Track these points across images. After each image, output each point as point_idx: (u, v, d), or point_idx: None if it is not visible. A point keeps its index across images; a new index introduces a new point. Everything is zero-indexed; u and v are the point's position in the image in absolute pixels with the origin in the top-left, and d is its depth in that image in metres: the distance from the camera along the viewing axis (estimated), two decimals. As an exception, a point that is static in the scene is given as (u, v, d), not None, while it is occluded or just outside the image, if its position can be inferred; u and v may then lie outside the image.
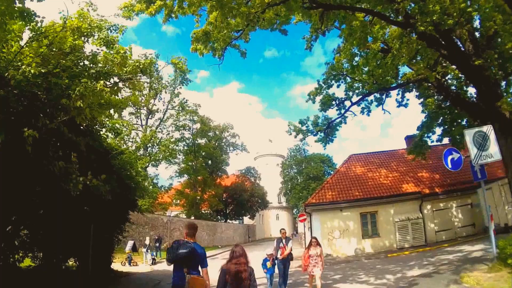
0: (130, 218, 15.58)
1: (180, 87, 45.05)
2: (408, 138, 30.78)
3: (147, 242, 26.04)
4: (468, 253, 17.01)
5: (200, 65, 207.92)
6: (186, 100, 47.15)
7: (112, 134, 14.47)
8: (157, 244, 27.52)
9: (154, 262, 24.84)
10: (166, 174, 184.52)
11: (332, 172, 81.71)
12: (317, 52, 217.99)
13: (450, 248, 20.19)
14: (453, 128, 19.29)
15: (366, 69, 18.82)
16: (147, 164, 40.63)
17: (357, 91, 20.45)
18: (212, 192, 56.30)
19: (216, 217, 61.43)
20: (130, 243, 26.10)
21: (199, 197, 53.43)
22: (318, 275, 11.69)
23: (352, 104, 20.57)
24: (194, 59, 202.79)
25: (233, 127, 61.85)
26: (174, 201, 55.51)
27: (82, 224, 10.64)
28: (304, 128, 21.51)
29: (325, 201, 23.98)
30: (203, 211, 57.27)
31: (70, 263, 12.94)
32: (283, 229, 13.73)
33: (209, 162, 57.32)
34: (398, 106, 21.15)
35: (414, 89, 20.25)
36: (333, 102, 20.93)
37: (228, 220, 65.83)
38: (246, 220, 75.15)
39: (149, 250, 26.64)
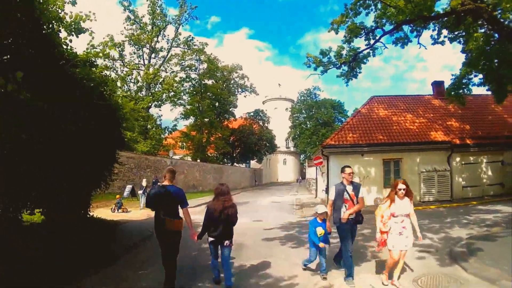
0: (118, 159, 12.90)
1: (187, 22, 41.88)
2: (436, 84, 28.45)
3: (143, 183, 23.77)
4: (509, 214, 14.92)
5: (212, 10, 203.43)
6: (192, 37, 43.99)
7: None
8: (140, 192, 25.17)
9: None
10: (171, 116, 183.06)
11: (343, 119, 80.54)
12: (331, 0, 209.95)
13: (481, 206, 18.23)
14: (504, 70, 16.35)
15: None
16: (150, 104, 38.19)
17: (390, 20, 17.43)
18: (219, 135, 54.09)
19: (222, 160, 59.73)
20: (128, 188, 24.14)
21: (205, 140, 51.25)
22: (403, 252, 6.60)
23: (385, 33, 17.68)
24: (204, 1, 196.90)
25: (242, 68, 58.52)
26: (180, 143, 53.46)
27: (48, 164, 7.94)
28: (325, 59, 18.77)
29: (345, 144, 21.49)
30: (209, 154, 55.32)
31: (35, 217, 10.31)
32: (349, 167, 7.61)
33: (216, 104, 54.54)
34: (434, 44, 18.30)
35: (451, 26, 17.18)
36: (362, 31, 18.08)
37: (235, 164, 64.30)
38: (253, 164, 73.64)
39: (145, 193, 24.61)
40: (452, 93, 19.30)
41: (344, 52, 18.72)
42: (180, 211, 6.73)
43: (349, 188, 7.32)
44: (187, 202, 6.97)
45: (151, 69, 37.64)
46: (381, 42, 18.43)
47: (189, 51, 43.10)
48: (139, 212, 19.83)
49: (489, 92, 20.08)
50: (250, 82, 59.70)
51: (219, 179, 49.30)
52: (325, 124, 74.69)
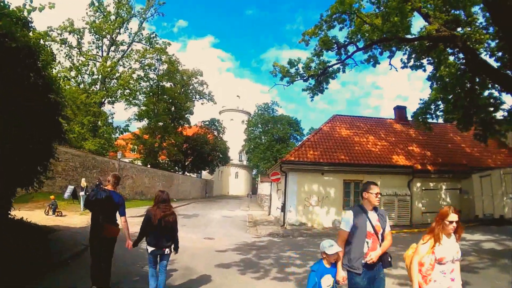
0: (54, 153, 10.54)
1: (152, 18, 40.29)
2: (398, 109, 28.60)
3: (83, 184, 21.71)
4: (475, 242, 14.32)
5: (180, 13, 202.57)
6: (156, 35, 42.29)
7: None
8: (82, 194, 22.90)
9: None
10: (124, 116, 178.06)
11: (299, 137, 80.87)
12: (298, 20, 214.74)
13: None
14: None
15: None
16: (104, 100, 36.08)
17: (365, 37, 16.88)
18: (172, 141, 52.22)
19: (173, 168, 57.54)
20: (69, 189, 22.16)
21: (157, 145, 49.28)
22: None
23: (358, 49, 17.19)
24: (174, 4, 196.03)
25: (202, 74, 57.34)
26: (131, 146, 51.19)
27: None
28: (293, 70, 18.01)
29: (306, 161, 20.57)
30: (160, 160, 53.30)
31: None
32: (375, 184, 4.85)
33: (172, 108, 52.74)
34: (403, 67, 18.25)
35: (422, 51, 17.00)
36: (334, 45, 17.47)
37: (186, 173, 62.14)
38: (205, 174, 72.04)
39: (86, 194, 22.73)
40: (420, 118, 19.03)
41: (313, 65, 18.08)
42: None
43: (373, 216, 4.76)
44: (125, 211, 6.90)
45: (108, 62, 35.49)
46: (353, 58, 18.04)
47: (150, 49, 41.19)
48: (77, 218, 17.66)
49: (445, 122, 20.60)
50: (209, 89, 58.68)
51: (169, 187, 47.42)
52: (280, 140, 74.54)
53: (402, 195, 20.67)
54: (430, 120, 19.72)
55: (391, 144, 23.47)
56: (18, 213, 12.36)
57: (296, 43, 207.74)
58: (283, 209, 20.93)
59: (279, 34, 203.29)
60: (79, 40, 36.88)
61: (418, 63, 17.67)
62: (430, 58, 17.31)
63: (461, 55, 16.38)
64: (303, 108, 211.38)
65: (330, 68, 18.03)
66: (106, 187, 6.63)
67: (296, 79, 18.15)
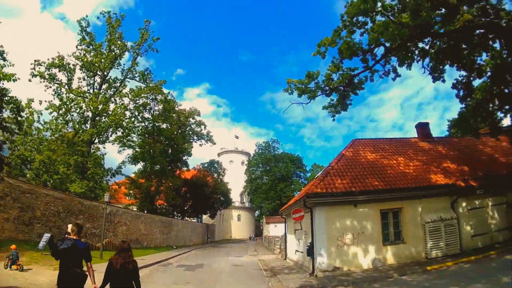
0: None
1: (146, 53, 37.95)
2: (421, 126, 25.51)
3: (69, 229, 18.22)
4: None
5: (177, 62, 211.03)
6: (149, 71, 39.79)
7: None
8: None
9: None
10: (118, 159, 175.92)
11: (302, 175, 78.01)
12: (291, 61, 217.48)
13: (499, 257, 15.08)
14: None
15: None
16: (93, 138, 32.93)
17: (393, 36, 14.10)
18: (170, 184, 48.80)
19: (172, 213, 53.64)
20: (45, 237, 18.52)
21: (154, 189, 45.89)
22: None
23: (388, 50, 14.31)
24: (174, 54, 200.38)
25: (200, 114, 54.48)
26: (125, 190, 47.68)
27: None
28: (312, 85, 15.16)
29: (335, 191, 16.90)
30: (157, 205, 49.72)
31: None
32: None
33: (169, 150, 49.77)
34: (427, 73, 15.57)
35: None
36: (359, 51, 14.69)
37: (186, 218, 58.18)
38: (205, 218, 67.92)
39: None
40: (471, 121, 16.13)
41: (335, 76, 15.38)
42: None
43: None
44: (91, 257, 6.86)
45: (99, 97, 32.55)
46: (381, 64, 15.15)
47: (145, 88, 38.45)
48: (47, 273, 13.95)
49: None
50: (207, 130, 55.50)
51: (168, 233, 43.72)
52: (283, 179, 71.62)
53: (448, 219, 17.08)
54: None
55: (424, 163, 20.07)
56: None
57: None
58: (309, 252, 17.07)
59: (273, 76, 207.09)
60: (69, 77, 34.21)
61: (440, 68, 14.91)
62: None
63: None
64: (300, 147, 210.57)
65: (356, 78, 15.18)
66: (70, 237, 6.78)
67: (318, 93, 15.26)
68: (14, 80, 11.03)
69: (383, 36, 14.20)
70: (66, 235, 6.99)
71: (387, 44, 14.41)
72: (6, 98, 10.93)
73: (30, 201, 21.26)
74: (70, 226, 18.58)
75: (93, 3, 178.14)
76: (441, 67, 15.08)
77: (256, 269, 20.88)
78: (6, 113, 10.82)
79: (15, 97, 11.28)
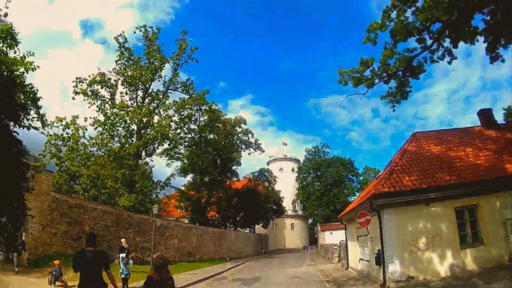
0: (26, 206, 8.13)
1: (186, 64, 37.37)
2: (484, 113, 22.47)
3: (124, 244, 17.69)
4: None
5: (219, 76, 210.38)
6: (191, 81, 39.03)
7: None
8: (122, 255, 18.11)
9: (126, 282, 15.24)
10: (167, 172, 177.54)
11: (355, 178, 75.07)
12: (332, 65, 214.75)
13: None
14: None
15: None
16: (140, 151, 32.54)
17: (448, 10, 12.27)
18: (221, 195, 47.94)
19: (224, 224, 52.80)
20: (91, 253, 17.89)
21: (205, 200, 45.20)
22: None
23: (445, 27, 12.53)
24: (215, 68, 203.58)
25: (246, 122, 53.33)
26: (176, 202, 47.34)
27: None
28: (367, 72, 13.60)
29: (404, 189, 14.92)
30: (209, 217, 49.04)
31: None
32: None
33: (218, 161, 48.98)
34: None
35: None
36: (414, 31, 13.01)
37: (238, 229, 57.16)
38: (258, 228, 66.52)
39: (127, 259, 18.30)
40: None
41: (391, 61, 13.66)
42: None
43: None
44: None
45: (143, 110, 32.11)
46: (441, 43, 13.29)
47: (188, 100, 37.86)
48: None
49: None
50: (254, 138, 54.27)
51: (220, 245, 42.77)
52: (336, 184, 69.19)
53: (532, 215, 14.69)
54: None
55: (495, 152, 17.52)
56: (18, 279, 11.81)
57: (333, 89, 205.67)
58: (378, 261, 15.20)
59: (315, 82, 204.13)
60: (112, 92, 34.19)
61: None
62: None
63: None
64: (349, 151, 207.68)
65: (415, 61, 13.45)
66: (87, 248, 6.86)
67: (375, 81, 13.68)
68: (33, 69, 10.38)
69: (438, 10, 12.42)
70: (84, 248, 7.09)
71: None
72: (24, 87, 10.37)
73: (78, 216, 20.96)
74: (123, 240, 18.05)
75: (130, 24, 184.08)
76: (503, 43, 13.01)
77: (317, 281, 19.18)
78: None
79: (31, 85, 10.70)
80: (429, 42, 13.31)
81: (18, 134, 9.79)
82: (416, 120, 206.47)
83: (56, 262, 14.19)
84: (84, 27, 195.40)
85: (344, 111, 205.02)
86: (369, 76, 13.67)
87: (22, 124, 9.65)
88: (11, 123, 9.46)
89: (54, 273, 13.63)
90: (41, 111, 11.46)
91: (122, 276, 14.13)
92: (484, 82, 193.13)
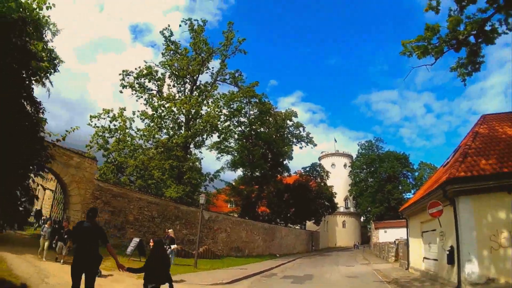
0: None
1: (234, 55, 36.22)
2: None
3: (172, 234, 17.57)
4: None
5: (271, 74, 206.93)
6: (240, 72, 37.96)
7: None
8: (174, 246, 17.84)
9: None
10: (217, 167, 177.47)
11: (410, 174, 71.27)
12: (380, 60, 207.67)
13: None
14: None
15: None
16: (189, 143, 31.91)
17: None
18: (271, 190, 46.79)
19: (275, 220, 51.55)
20: (134, 242, 17.19)
21: (255, 194, 44.21)
22: None
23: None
24: (264, 66, 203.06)
25: (297, 115, 51.50)
26: (225, 196, 46.79)
27: None
28: (434, 41, 11.88)
29: (482, 174, 12.86)
30: (259, 212, 48.02)
31: None
32: None
33: (269, 155, 47.75)
34: None
35: None
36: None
37: (289, 225, 55.78)
38: (309, 225, 64.71)
39: (172, 251, 17.71)
40: None
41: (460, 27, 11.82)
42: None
43: None
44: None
45: (191, 100, 31.39)
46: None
47: (238, 92, 36.88)
48: (127, 281, 12.25)
49: None
50: (306, 131, 52.39)
51: (270, 241, 41.59)
52: (390, 180, 66.11)
53: None
54: None
55: None
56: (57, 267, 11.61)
57: (383, 83, 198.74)
58: (450, 259, 13.17)
59: (364, 78, 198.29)
60: (159, 85, 33.87)
61: None
62: None
63: None
64: (401, 148, 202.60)
65: (489, 24, 11.49)
66: (86, 221, 7.09)
67: (444, 49, 11.88)
68: (48, 7, 9.67)
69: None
70: (82, 221, 7.35)
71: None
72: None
73: (122, 205, 20.51)
74: (170, 231, 17.17)
75: (178, 27, 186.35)
76: None
77: (377, 282, 17.48)
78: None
79: (46, 19, 10.40)
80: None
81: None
82: (471, 115, 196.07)
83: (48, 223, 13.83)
84: (133, 32, 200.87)
85: (396, 107, 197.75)
86: (437, 44, 11.88)
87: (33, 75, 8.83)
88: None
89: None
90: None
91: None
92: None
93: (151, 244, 7.47)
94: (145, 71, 32.69)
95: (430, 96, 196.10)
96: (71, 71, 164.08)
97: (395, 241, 33.09)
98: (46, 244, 13.89)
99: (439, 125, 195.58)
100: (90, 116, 29.64)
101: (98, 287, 10.18)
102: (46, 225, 14.68)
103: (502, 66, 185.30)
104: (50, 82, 10.96)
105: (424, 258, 18.43)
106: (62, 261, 13.40)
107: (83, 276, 6.67)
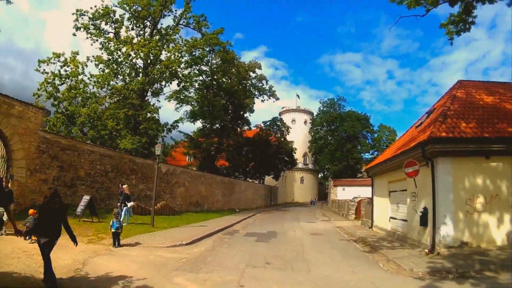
0: None
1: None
2: None
3: (126, 190, 16.09)
4: None
5: (236, 26, 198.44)
6: (205, 18, 35.20)
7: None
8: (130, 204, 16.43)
9: (117, 237, 11.50)
10: (175, 116, 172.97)
11: (369, 135, 71.60)
12: (349, 22, 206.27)
13: None
14: None
15: None
16: (146, 89, 29.53)
17: None
18: (231, 143, 45.24)
19: (233, 174, 50.36)
20: (84, 200, 15.39)
21: (215, 147, 42.65)
22: None
23: None
24: (230, 18, 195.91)
25: (261, 67, 49.35)
26: (183, 149, 45.09)
27: None
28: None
29: (464, 136, 12.14)
30: (218, 166, 46.64)
31: None
32: None
33: (230, 107, 45.84)
34: None
35: None
36: None
37: (248, 179, 54.82)
38: (267, 180, 63.96)
39: (128, 209, 16.19)
40: None
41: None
42: None
43: None
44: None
45: (150, 44, 28.65)
46: None
47: (201, 40, 34.17)
48: (76, 249, 9.43)
49: None
50: (269, 84, 50.40)
51: (230, 195, 40.55)
52: (350, 139, 66.04)
53: None
54: None
55: None
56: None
57: (349, 46, 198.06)
58: (424, 220, 12.38)
59: (331, 38, 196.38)
60: (117, 27, 30.83)
61: None
62: None
63: None
64: (360, 111, 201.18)
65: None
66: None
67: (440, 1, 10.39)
68: None
69: None
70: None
71: None
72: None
73: (71, 159, 18.19)
74: (125, 186, 15.26)
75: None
76: None
77: (344, 240, 16.69)
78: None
79: None
80: None
81: None
82: (431, 87, 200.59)
83: (30, 211, 11.21)
84: None
85: (359, 70, 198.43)
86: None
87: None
88: None
89: (27, 224, 10.69)
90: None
91: (113, 230, 11.23)
92: (506, 55, 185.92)
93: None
94: (101, 11, 29.53)
95: (394, 63, 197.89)
96: (28, 19, 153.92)
97: (354, 199, 32.89)
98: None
99: (399, 92, 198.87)
100: (39, 61, 26.72)
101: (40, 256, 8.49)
102: None
103: (467, 44, 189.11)
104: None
105: (391, 218, 17.80)
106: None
107: None
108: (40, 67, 26.86)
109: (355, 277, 8.88)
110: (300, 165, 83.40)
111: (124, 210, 16.01)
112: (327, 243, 15.67)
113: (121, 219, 14.23)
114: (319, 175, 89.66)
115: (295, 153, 62.98)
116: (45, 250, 6.49)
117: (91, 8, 29.78)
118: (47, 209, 6.65)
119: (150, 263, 9.41)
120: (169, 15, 33.57)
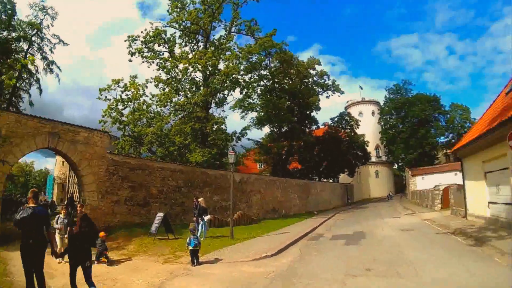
0: None
1: (246, 4, 32.72)
2: None
3: (201, 203, 15.51)
4: None
5: (287, 30, 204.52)
6: (256, 21, 34.25)
7: None
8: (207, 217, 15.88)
9: (196, 255, 10.69)
10: (242, 125, 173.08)
11: (442, 117, 66.87)
12: (397, 3, 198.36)
13: None
14: None
15: None
16: (209, 102, 29.29)
17: None
18: (301, 144, 44.21)
19: (307, 175, 49.26)
20: (158, 217, 15.04)
21: (285, 151, 41.90)
22: None
23: None
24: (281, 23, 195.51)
25: (320, 63, 47.94)
26: (257, 157, 44.99)
27: None
28: None
29: None
30: (291, 170, 45.86)
31: None
32: None
33: (295, 107, 44.93)
34: None
35: None
36: None
37: (322, 179, 53.38)
38: (342, 178, 62.19)
39: (205, 223, 15.76)
40: None
41: None
42: None
43: None
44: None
45: (206, 55, 28.32)
46: None
47: (254, 45, 33.29)
48: (150, 269, 9.90)
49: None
50: (331, 79, 48.64)
51: (306, 198, 39.41)
52: (422, 124, 62.10)
53: None
54: None
55: None
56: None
57: (402, 28, 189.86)
58: None
59: (383, 24, 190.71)
60: (170, 46, 30.90)
61: None
62: None
63: None
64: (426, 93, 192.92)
65: None
66: (29, 205, 6.45)
67: None
68: None
69: None
70: (25, 204, 6.65)
71: None
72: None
73: (142, 178, 18.24)
74: (201, 200, 14.73)
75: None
76: None
77: (440, 234, 15.13)
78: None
79: None
80: None
81: None
82: (496, 55, 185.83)
83: (100, 234, 11.12)
84: (141, 8, 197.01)
85: (417, 51, 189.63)
86: None
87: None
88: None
89: (98, 247, 10.65)
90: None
91: (190, 247, 10.59)
92: None
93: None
94: (152, 34, 29.75)
95: (452, 37, 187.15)
96: (86, 59, 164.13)
97: (436, 187, 30.64)
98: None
99: (463, 66, 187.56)
100: (100, 90, 27.37)
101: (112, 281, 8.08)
102: (60, 215, 12.09)
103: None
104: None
105: (490, 203, 15.81)
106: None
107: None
108: (101, 95, 27.57)
109: (477, 280, 7.45)
110: (373, 159, 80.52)
111: (201, 224, 15.60)
112: (423, 239, 14.14)
113: (199, 234, 13.77)
114: (394, 167, 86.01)
115: (367, 146, 60.58)
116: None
117: (141, 32, 30.14)
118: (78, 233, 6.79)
119: (236, 281, 8.58)
120: (220, 25, 33.38)
